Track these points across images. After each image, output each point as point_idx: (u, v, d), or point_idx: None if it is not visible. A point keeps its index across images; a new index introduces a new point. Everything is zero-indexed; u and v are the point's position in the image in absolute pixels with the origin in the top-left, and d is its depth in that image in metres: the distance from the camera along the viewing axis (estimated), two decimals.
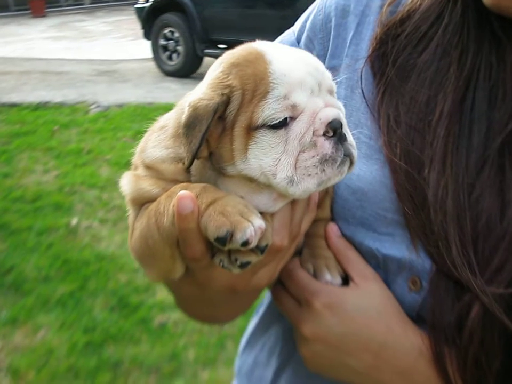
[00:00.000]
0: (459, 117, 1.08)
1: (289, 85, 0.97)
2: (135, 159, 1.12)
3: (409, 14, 1.18)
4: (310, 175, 0.96)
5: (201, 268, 1.02)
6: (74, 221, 5.54)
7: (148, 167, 1.06)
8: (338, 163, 0.97)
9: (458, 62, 1.10)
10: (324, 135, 0.97)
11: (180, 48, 11.53)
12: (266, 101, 0.96)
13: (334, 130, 0.97)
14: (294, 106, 0.96)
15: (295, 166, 0.96)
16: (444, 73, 1.12)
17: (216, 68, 1.02)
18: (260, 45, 1.03)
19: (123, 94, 10.25)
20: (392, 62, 1.16)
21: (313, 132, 0.97)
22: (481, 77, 1.09)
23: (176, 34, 11.53)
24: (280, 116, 0.95)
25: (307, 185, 0.96)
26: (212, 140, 0.99)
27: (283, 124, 0.96)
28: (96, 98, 9.92)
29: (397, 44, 1.17)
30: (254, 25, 10.25)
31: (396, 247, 1.10)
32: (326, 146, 0.96)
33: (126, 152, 7.42)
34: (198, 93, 1.00)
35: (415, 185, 1.07)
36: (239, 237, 0.90)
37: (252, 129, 0.96)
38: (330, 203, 1.22)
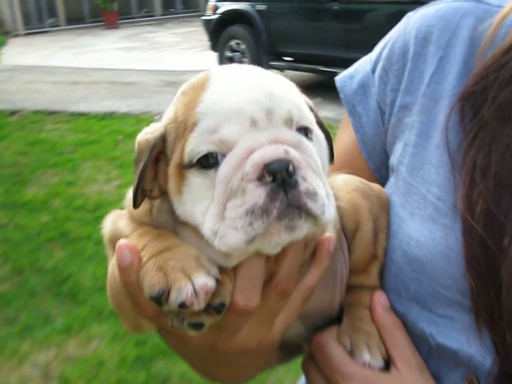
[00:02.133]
0: None
1: (219, 115, 0.80)
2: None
3: None
4: (235, 228, 0.78)
5: (164, 326, 0.87)
6: None
7: (125, 207, 0.97)
8: (273, 215, 0.77)
9: None
10: (259, 180, 0.77)
11: (245, 60, 11.53)
12: (192, 135, 0.81)
13: (273, 175, 0.77)
14: (222, 142, 0.80)
15: (222, 217, 0.79)
16: None
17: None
18: (215, 69, 0.89)
19: None
20: (492, 98, 0.94)
21: (243, 175, 0.78)
22: None
23: (242, 46, 11.55)
24: (203, 150, 0.80)
25: (231, 240, 0.78)
26: (161, 179, 0.88)
27: (213, 164, 0.80)
28: (161, 109, 9.97)
29: (499, 78, 0.95)
30: (320, 38, 10.17)
31: (454, 335, 0.93)
32: (257, 194, 0.77)
33: None
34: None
35: (489, 255, 0.87)
36: (174, 298, 0.76)
37: (183, 168, 0.83)
38: (379, 269, 1.06)
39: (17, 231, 5.62)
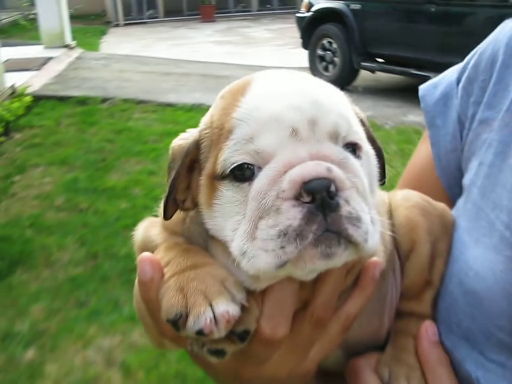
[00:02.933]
0: None
1: (257, 122, 0.73)
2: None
3: None
4: (266, 250, 0.70)
5: (184, 348, 0.82)
6: None
7: (159, 215, 0.91)
8: (309, 240, 0.69)
9: None
10: (296, 199, 0.70)
11: (336, 60, 11.39)
12: (227, 143, 0.74)
13: (312, 194, 0.69)
14: (258, 153, 0.72)
15: (253, 236, 0.71)
16: None
17: None
18: (262, 73, 0.82)
19: None
20: None
21: (278, 192, 0.70)
22: None
23: (334, 45, 11.39)
24: (237, 160, 0.72)
25: (260, 263, 0.71)
26: (195, 189, 0.82)
27: (249, 177, 0.73)
28: None
29: None
30: (414, 41, 9.90)
31: (504, 383, 0.83)
32: (292, 215, 0.69)
33: None
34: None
35: None
36: (191, 324, 0.70)
37: (215, 179, 0.76)
38: (432, 297, 0.96)
39: (96, 216, 5.74)
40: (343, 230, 0.71)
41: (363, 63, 10.96)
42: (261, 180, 0.72)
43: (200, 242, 0.84)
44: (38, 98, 9.68)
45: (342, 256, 0.72)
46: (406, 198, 1.01)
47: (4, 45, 12.84)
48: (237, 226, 0.74)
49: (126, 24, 23.68)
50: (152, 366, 3.69)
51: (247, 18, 25.21)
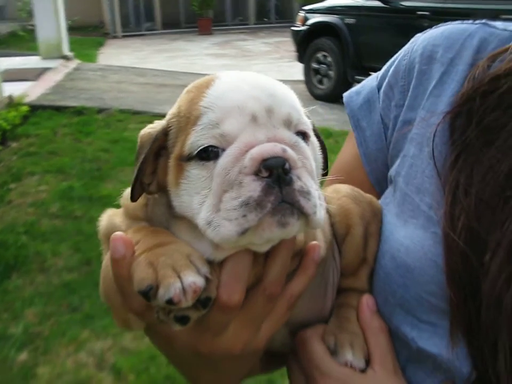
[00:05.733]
0: None
1: (222, 109, 0.83)
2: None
3: (508, 73, 0.98)
4: (229, 219, 0.79)
5: (151, 322, 0.90)
6: None
7: (121, 203, 1.00)
8: (267, 209, 0.78)
9: None
10: (255, 175, 0.79)
11: (331, 73, 11.53)
12: (194, 129, 0.84)
13: (270, 170, 0.78)
14: (223, 136, 0.82)
15: (218, 208, 0.81)
16: None
17: None
18: (224, 72, 0.93)
19: None
20: (477, 122, 0.97)
21: (241, 169, 0.80)
22: None
23: (329, 59, 11.53)
24: (204, 143, 0.82)
25: (224, 231, 0.79)
26: (160, 173, 0.90)
27: (213, 157, 0.82)
28: None
29: (486, 103, 0.98)
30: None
31: (434, 341, 0.94)
32: (252, 187, 0.78)
33: None
34: None
35: (470, 270, 0.88)
36: (162, 294, 0.77)
37: (182, 160, 0.85)
38: (368, 273, 1.07)
39: (90, 223, 5.80)
40: (296, 202, 0.80)
41: (357, 77, 11.06)
42: (225, 158, 0.82)
43: (163, 223, 0.92)
44: (35, 108, 9.78)
45: (294, 226, 0.81)
46: (336, 191, 1.13)
47: (2, 55, 12.97)
48: (203, 200, 0.83)
49: (124, 36, 23.86)
50: (143, 369, 3.75)
51: (244, 31, 25.41)
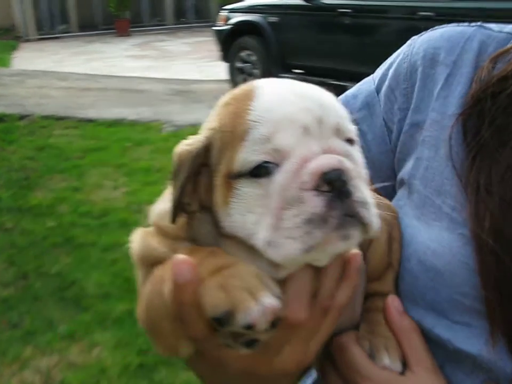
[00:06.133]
0: None
1: (272, 123, 0.80)
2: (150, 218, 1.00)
3: None
4: (292, 238, 0.77)
5: (210, 348, 0.85)
6: None
7: (154, 224, 0.94)
8: (332, 225, 0.76)
9: None
10: (315, 189, 0.77)
11: (256, 71, 11.55)
12: (243, 144, 0.80)
13: (330, 184, 0.77)
14: (277, 151, 0.79)
15: (277, 226, 0.78)
16: None
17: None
18: (259, 81, 0.89)
19: (197, 115, 10.31)
20: (489, 122, 0.98)
21: (300, 184, 0.77)
22: None
23: (253, 58, 11.56)
24: (257, 159, 0.78)
25: (288, 250, 0.77)
26: (202, 192, 0.86)
27: (267, 173, 0.79)
28: (170, 118, 10.03)
29: (497, 103, 0.99)
30: (331, 52, 10.20)
31: (472, 341, 0.93)
32: (315, 203, 0.76)
33: None
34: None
35: (504, 270, 0.88)
36: (240, 319, 0.73)
37: (231, 178, 0.81)
38: (393, 277, 1.05)
39: (22, 235, 5.62)
40: (356, 214, 0.79)
41: (282, 75, 11.15)
42: (283, 174, 0.79)
43: (211, 242, 0.87)
44: None
45: (356, 237, 0.80)
46: None
47: None
48: (258, 219, 0.80)
49: (38, 39, 23.11)
50: (93, 383, 3.65)
51: (163, 32, 25.11)
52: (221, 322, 0.75)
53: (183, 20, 26.98)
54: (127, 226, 5.80)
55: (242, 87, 0.89)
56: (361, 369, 0.97)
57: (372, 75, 1.30)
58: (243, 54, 11.75)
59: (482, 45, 1.11)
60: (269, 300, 0.75)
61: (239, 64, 11.84)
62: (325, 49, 10.33)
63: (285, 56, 11.03)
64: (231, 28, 11.79)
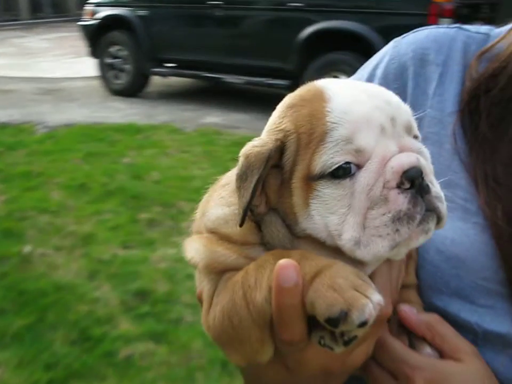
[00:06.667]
0: None
1: (352, 124, 0.82)
2: (196, 227, 0.98)
3: (503, 67, 1.07)
4: (380, 236, 0.80)
5: (295, 350, 0.86)
6: (27, 249, 5.24)
7: (211, 231, 0.92)
8: (417, 220, 0.80)
9: None
10: (397, 187, 0.80)
11: (127, 67, 11.32)
12: (324, 145, 0.81)
13: (411, 181, 0.81)
14: (358, 151, 0.81)
15: (363, 225, 0.81)
16: None
17: (275, 112, 0.92)
18: (321, 82, 0.91)
19: (69, 114, 9.98)
20: (486, 116, 1.04)
21: (384, 183, 0.81)
22: None
23: (124, 53, 11.31)
24: (340, 160, 0.80)
25: (377, 248, 0.81)
26: (270, 193, 0.87)
27: (347, 173, 0.81)
28: (42, 118, 9.61)
29: (490, 98, 1.06)
30: (203, 44, 10.20)
31: (498, 320, 0.98)
32: (400, 201, 0.80)
33: (77, 174, 7.15)
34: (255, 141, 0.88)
35: None
36: (356, 317, 0.73)
37: (311, 179, 0.83)
38: (415, 268, 1.07)
39: None
40: (436, 208, 0.83)
41: (154, 69, 11.02)
42: (366, 174, 0.81)
43: (286, 245, 0.88)
44: None
45: (433, 231, 0.85)
46: None
47: None
48: (342, 219, 0.82)
49: None
50: None
51: (18, 27, 23.99)
52: (335, 321, 0.75)
53: (40, 14, 25.89)
54: (12, 236, 5.52)
55: (306, 88, 0.91)
56: (409, 360, 0.97)
57: (353, 76, 1.33)
58: (112, 49, 11.47)
59: (465, 45, 1.17)
60: (378, 297, 0.76)
61: (108, 60, 11.53)
62: (197, 42, 10.31)
63: (156, 50, 10.89)
64: (99, 22, 11.46)
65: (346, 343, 0.79)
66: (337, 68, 8.78)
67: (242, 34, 9.84)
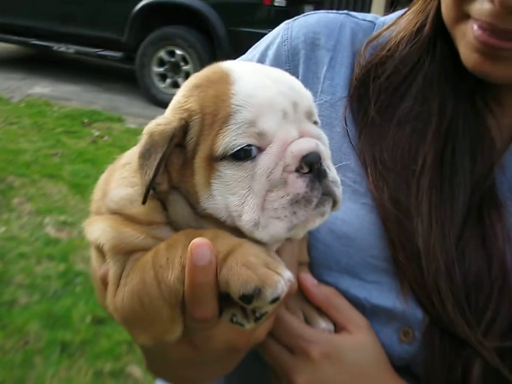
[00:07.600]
0: (440, 169, 1.04)
1: (256, 107, 0.84)
2: (95, 207, 0.96)
3: (390, 56, 1.14)
4: (278, 218, 0.83)
5: (205, 328, 0.87)
6: None
7: (115, 212, 0.91)
8: (314, 204, 0.85)
9: (438, 112, 1.07)
10: (297, 171, 0.84)
11: None
12: (227, 127, 0.84)
13: (310, 166, 0.84)
14: (260, 135, 0.84)
15: (262, 207, 0.84)
16: (424, 122, 1.08)
17: (180, 91, 0.92)
18: (227, 64, 0.93)
19: None
20: (374, 102, 1.11)
21: (284, 167, 0.84)
22: (460, 129, 1.06)
23: None
24: (242, 143, 0.83)
25: (275, 230, 0.84)
26: (173, 172, 0.88)
27: (249, 156, 0.84)
28: None
29: (378, 85, 1.12)
30: (32, 10, 9.61)
31: (384, 296, 1.05)
32: (299, 184, 0.83)
33: None
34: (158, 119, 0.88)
35: (406, 234, 1.02)
36: (270, 294, 0.76)
37: (213, 160, 0.85)
38: (307, 246, 1.11)
39: None
40: (332, 192, 0.87)
41: None
42: (267, 157, 0.84)
43: (191, 224, 0.89)
44: None
45: (328, 213, 0.89)
46: None
47: None
48: (242, 201, 0.84)
49: None
50: None
51: None
52: (249, 298, 0.77)
53: None
54: None
55: (213, 70, 0.92)
56: (305, 334, 1.02)
57: (244, 56, 1.35)
58: None
59: (353, 31, 1.24)
60: (288, 274, 0.79)
61: None
62: (25, 7, 9.70)
63: None
64: None
65: (257, 319, 0.82)
66: (173, 42, 8.71)
67: (75, 1, 9.42)
